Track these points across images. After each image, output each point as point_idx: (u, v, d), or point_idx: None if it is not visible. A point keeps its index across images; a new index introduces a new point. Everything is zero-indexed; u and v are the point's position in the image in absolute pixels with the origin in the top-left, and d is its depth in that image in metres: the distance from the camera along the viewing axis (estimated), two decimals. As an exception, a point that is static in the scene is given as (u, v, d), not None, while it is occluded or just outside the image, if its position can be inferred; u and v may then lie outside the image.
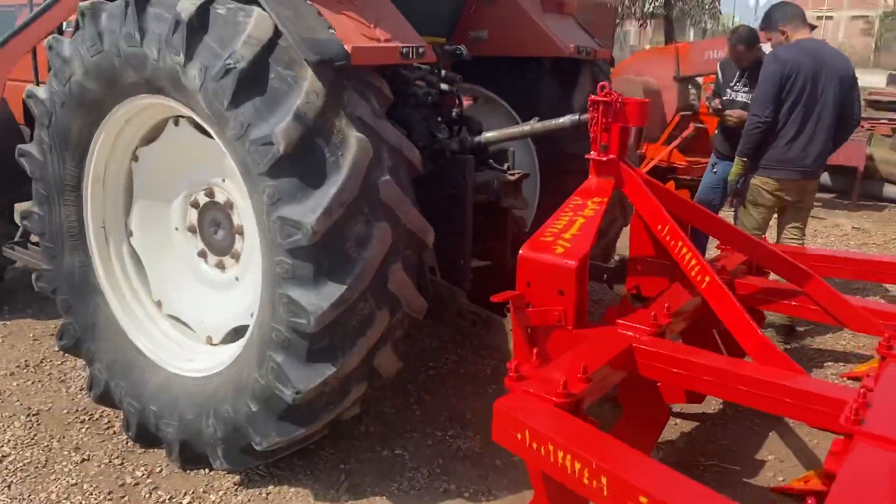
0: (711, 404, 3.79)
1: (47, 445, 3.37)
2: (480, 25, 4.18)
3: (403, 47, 2.86)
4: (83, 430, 3.51)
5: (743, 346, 2.80)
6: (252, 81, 2.55)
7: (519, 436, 2.20)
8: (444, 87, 3.78)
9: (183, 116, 3.10)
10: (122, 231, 3.49)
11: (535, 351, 2.52)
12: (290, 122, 2.50)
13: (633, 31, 24.17)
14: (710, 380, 2.60)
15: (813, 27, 5.00)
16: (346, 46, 2.60)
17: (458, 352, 4.40)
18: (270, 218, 2.59)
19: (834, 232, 7.72)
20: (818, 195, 9.22)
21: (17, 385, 3.95)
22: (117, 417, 3.60)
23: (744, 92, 5.10)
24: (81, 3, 2.95)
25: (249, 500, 2.98)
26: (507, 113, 4.40)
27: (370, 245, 2.64)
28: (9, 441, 3.40)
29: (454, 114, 3.87)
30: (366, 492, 3.06)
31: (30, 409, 3.69)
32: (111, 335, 3.41)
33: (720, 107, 5.21)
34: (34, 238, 3.95)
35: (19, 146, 3.44)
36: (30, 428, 3.51)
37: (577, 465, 2.02)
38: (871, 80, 35.99)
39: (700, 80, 9.75)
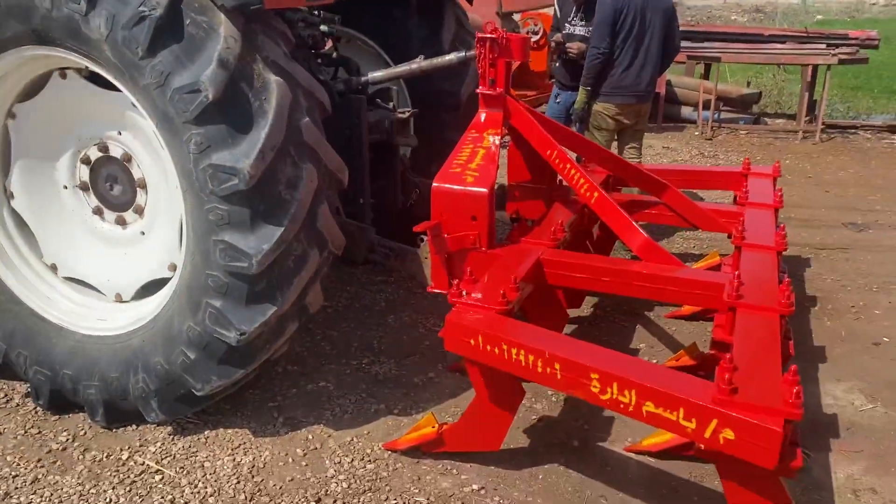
0: (584, 309, 4.28)
1: (-54, 428, 3.18)
2: (346, -34, 4.22)
3: (307, -10, 2.91)
4: (-20, 409, 3.32)
5: (630, 246, 3.23)
6: (168, 29, 2.51)
7: (472, 341, 2.47)
8: (322, 28, 3.83)
9: (70, 68, 2.95)
10: (0, 194, 3.27)
11: (468, 270, 2.77)
12: (214, 68, 2.51)
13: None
14: (609, 280, 3.01)
15: None
16: (257, -9, 2.62)
17: (347, 289, 4.56)
18: (199, 166, 2.60)
19: (648, 152, 8.56)
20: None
21: None
22: (13, 390, 3.44)
23: (581, 26, 5.54)
24: (-56, -53, 2.70)
25: (190, 446, 3.03)
26: (374, 52, 4.51)
27: (300, 186, 2.73)
28: None
29: (333, 55, 3.95)
30: (301, 423, 3.21)
31: None
32: (5, 305, 3.23)
33: (561, 40, 5.63)
34: None
35: None
36: (-83, 413, 3.27)
37: (531, 358, 2.32)
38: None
39: (517, 16, 10.24)
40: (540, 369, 2.31)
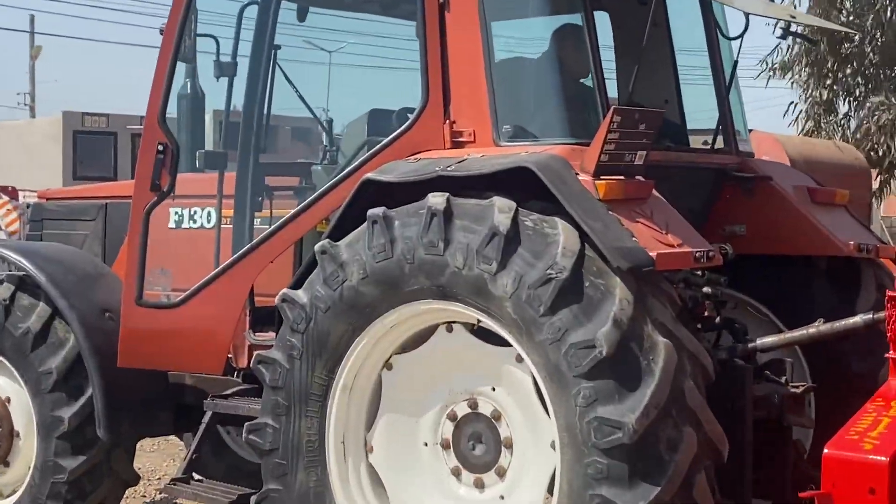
0: None
1: None
2: (737, 219, 6.70)
3: (697, 252, 5.38)
4: None
5: None
6: (570, 289, 5.03)
7: None
8: (706, 289, 6.24)
9: (459, 322, 5.59)
10: (361, 447, 5.89)
11: None
12: (610, 327, 4.94)
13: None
14: None
15: None
16: (651, 253, 5.09)
17: None
18: (584, 419, 4.96)
19: None
20: None
21: None
22: None
23: None
24: (371, 211, 5.55)
25: None
26: (766, 319, 6.81)
27: (680, 449, 4.97)
28: None
29: (716, 318, 6.31)
30: None
31: None
32: (351, 563, 5.73)
33: None
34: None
35: (258, 353, 5.99)
36: None
37: None
38: None
39: None
40: None
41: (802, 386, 6.21)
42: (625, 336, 4.98)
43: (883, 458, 4.82)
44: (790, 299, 6.66)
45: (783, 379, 6.22)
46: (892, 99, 20.67)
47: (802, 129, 21.77)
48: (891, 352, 5.33)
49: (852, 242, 6.52)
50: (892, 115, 20.54)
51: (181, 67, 6.65)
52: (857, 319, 5.84)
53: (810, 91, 21.58)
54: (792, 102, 22.25)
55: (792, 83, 22.10)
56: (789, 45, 20.38)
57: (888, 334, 5.33)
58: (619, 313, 4.99)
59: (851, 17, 20.39)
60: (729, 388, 5.79)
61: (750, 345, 6.12)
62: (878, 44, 20.70)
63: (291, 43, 6.92)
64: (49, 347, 6.89)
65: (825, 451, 5.01)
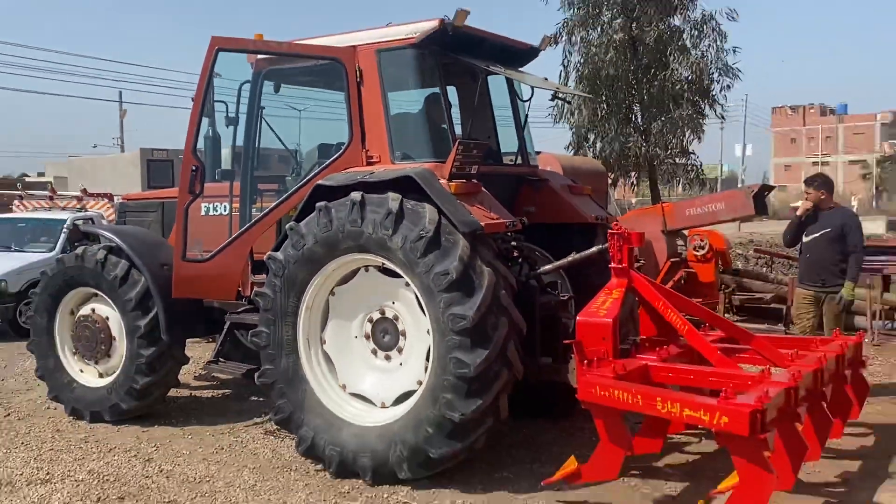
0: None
1: (277, 479, 6.12)
2: (529, 203, 7.34)
3: (508, 222, 6.02)
4: (295, 475, 6.23)
5: (706, 356, 5.73)
6: (434, 242, 5.62)
7: (593, 391, 5.10)
8: (513, 243, 6.88)
9: (372, 265, 6.12)
10: (318, 341, 6.40)
11: (595, 360, 5.39)
12: (457, 263, 5.54)
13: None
14: (692, 377, 5.52)
15: None
16: (480, 223, 5.69)
17: (529, 426, 7.21)
18: (445, 315, 5.57)
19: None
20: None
21: (226, 458, 6.68)
22: (314, 466, 6.31)
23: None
24: (318, 203, 6.05)
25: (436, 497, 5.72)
26: (547, 259, 7.47)
27: (499, 329, 5.61)
28: (248, 480, 6.12)
29: (518, 259, 6.96)
30: (503, 465, 5.81)
31: (249, 467, 6.42)
32: (315, 407, 6.23)
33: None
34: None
35: (256, 289, 6.46)
36: (259, 475, 6.23)
37: (624, 394, 4.91)
38: (871, 228, 39.72)
39: (686, 231, 12.91)
40: (630, 400, 4.89)
41: (567, 296, 6.93)
42: (465, 267, 5.61)
43: (608, 319, 5.60)
44: (559, 247, 7.27)
45: (557, 292, 6.91)
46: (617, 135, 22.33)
47: (571, 150, 23.25)
48: (612, 264, 6.04)
49: (593, 215, 7.27)
50: (617, 147, 22.28)
51: (205, 120, 7.10)
52: (594, 249, 6.58)
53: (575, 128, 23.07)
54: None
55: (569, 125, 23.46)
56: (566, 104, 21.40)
57: (610, 254, 6.04)
58: (462, 254, 5.61)
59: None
60: (526, 297, 6.41)
61: (537, 271, 6.77)
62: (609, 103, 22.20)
63: (272, 104, 7.35)
64: (129, 285, 7.39)
65: (577, 318, 5.70)
